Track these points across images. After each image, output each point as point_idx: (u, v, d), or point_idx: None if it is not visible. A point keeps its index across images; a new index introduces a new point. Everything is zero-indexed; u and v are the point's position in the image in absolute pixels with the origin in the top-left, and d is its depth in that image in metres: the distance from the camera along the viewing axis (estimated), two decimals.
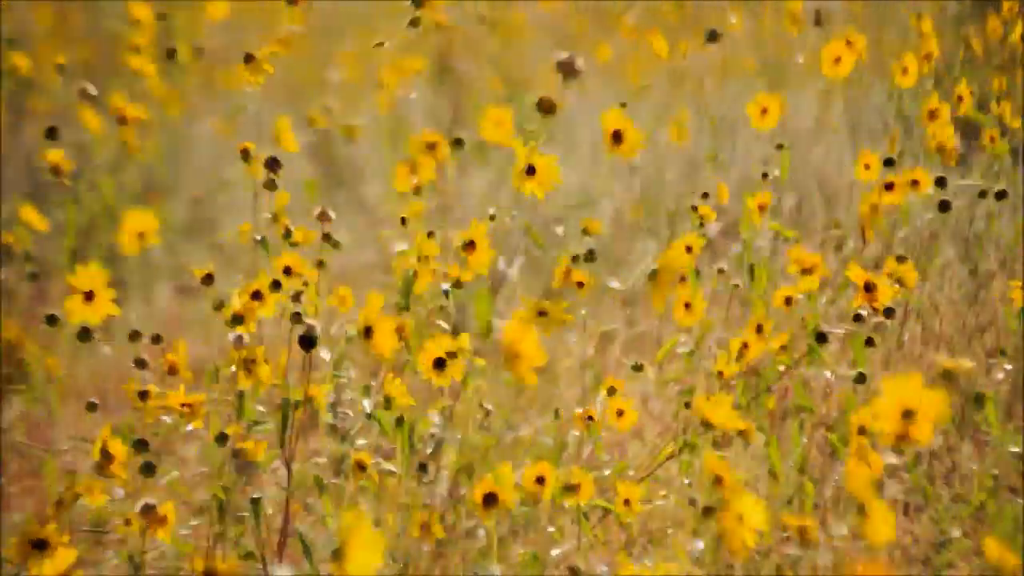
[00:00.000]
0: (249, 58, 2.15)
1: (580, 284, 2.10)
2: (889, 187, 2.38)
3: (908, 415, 1.41)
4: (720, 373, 2.25)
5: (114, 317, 1.93)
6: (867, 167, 2.35)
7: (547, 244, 3.36)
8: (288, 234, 2.16)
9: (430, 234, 2.19)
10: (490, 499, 1.89)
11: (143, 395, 1.97)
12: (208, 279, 2.10)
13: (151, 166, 4.18)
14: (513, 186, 1.97)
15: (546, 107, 1.91)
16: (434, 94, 4.90)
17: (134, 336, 2.09)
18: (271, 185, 2.11)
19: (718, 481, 1.56)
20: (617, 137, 1.95)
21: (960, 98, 2.68)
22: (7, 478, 2.52)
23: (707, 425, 1.86)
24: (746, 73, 4.49)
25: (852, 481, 1.44)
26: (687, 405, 2.26)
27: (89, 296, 1.99)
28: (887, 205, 2.39)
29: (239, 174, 3.83)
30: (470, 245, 2.05)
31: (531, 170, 1.97)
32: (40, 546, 1.78)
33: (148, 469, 1.89)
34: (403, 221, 2.06)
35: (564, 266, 2.09)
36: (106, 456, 1.91)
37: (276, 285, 2.04)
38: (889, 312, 2.14)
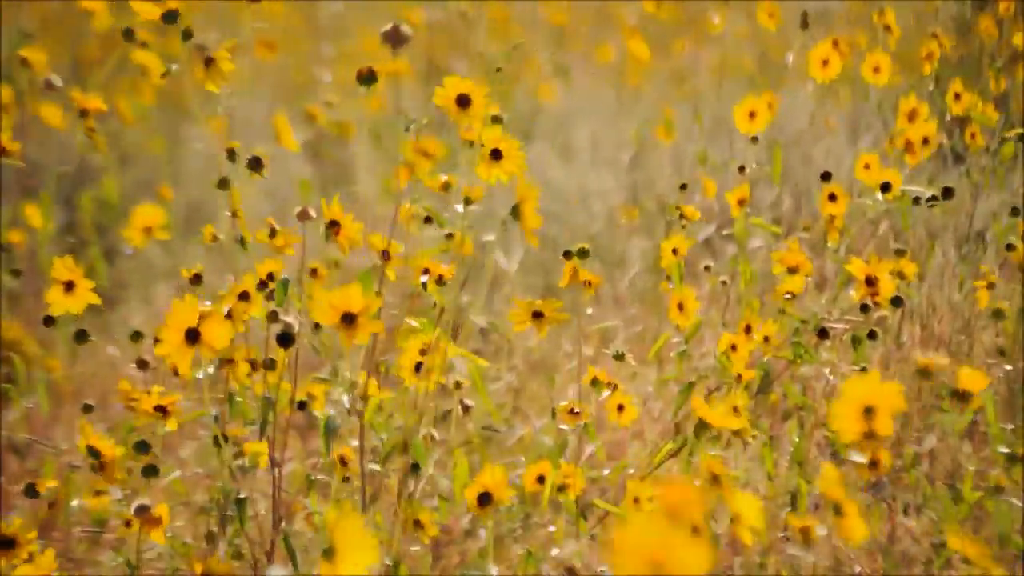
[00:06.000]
0: (209, 61, 2.04)
1: (588, 283, 2.08)
2: (832, 197, 2.39)
3: (869, 412, 1.42)
4: (739, 376, 2.25)
5: (116, 317, 1.93)
6: (867, 167, 2.35)
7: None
8: (273, 233, 2.14)
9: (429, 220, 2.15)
10: (484, 499, 1.89)
11: (134, 397, 1.96)
12: (196, 279, 2.09)
13: (150, 166, 4.18)
14: (477, 174, 1.92)
15: (364, 76, 1.88)
16: (423, 93, 4.90)
17: (136, 337, 2.08)
18: (224, 184, 2.07)
19: (715, 480, 1.56)
20: (463, 101, 1.92)
21: (957, 96, 2.68)
22: (7, 478, 2.52)
23: (703, 425, 1.86)
24: (744, 73, 4.49)
25: (824, 481, 1.45)
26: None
27: (69, 286, 1.98)
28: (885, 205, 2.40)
29: (238, 174, 3.81)
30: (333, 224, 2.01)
31: (496, 154, 1.93)
32: (7, 544, 1.78)
33: (151, 471, 1.88)
34: (427, 219, 2.04)
35: (572, 265, 2.08)
36: (94, 455, 1.91)
37: (263, 285, 2.02)
38: (897, 301, 2.15)
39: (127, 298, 3.36)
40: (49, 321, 2.07)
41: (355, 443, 2.04)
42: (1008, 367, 2.52)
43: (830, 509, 1.45)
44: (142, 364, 2.06)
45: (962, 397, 1.84)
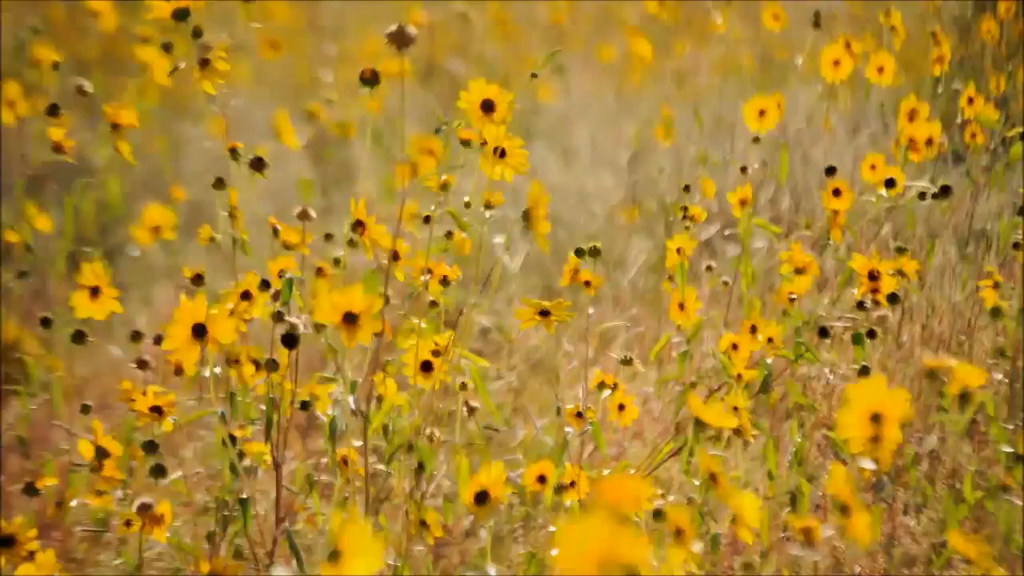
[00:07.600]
0: (204, 62, 2.03)
1: (587, 283, 2.09)
2: (836, 192, 2.41)
3: (876, 418, 1.41)
4: (739, 376, 2.25)
5: (118, 317, 1.93)
6: (873, 168, 2.36)
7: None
8: (276, 233, 2.15)
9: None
10: (482, 497, 1.88)
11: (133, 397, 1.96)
12: (198, 279, 2.09)
13: (150, 166, 4.18)
14: (483, 171, 1.96)
15: (367, 78, 1.88)
16: (423, 93, 4.90)
17: (136, 336, 2.08)
18: (219, 184, 2.08)
19: (712, 479, 1.56)
20: (488, 106, 1.95)
21: (971, 100, 2.69)
22: (7, 478, 2.52)
23: (701, 424, 1.85)
24: (744, 73, 4.49)
25: (832, 482, 1.45)
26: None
27: (95, 292, 2.00)
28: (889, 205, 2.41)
29: (240, 174, 3.81)
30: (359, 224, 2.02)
31: (501, 152, 1.96)
32: (7, 543, 1.79)
33: (158, 471, 1.88)
34: (426, 220, 2.05)
35: (573, 264, 2.08)
36: (101, 455, 1.91)
37: (265, 285, 2.02)
38: (893, 298, 2.16)
39: (128, 298, 3.35)
40: (47, 323, 2.07)
41: (357, 443, 2.04)
42: (1008, 367, 2.52)
43: (836, 509, 1.44)
44: (142, 364, 2.06)
45: (964, 397, 1.84)
